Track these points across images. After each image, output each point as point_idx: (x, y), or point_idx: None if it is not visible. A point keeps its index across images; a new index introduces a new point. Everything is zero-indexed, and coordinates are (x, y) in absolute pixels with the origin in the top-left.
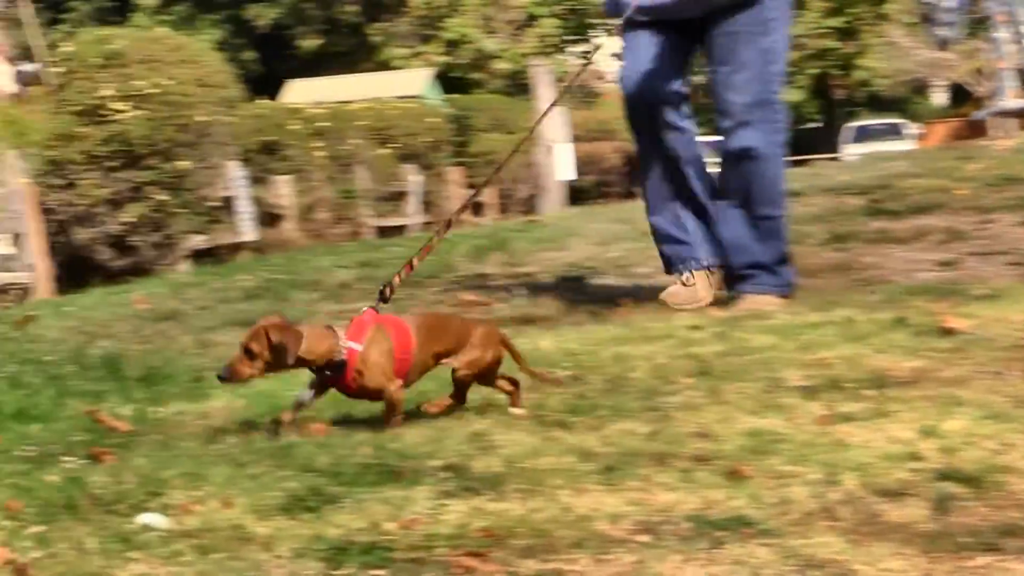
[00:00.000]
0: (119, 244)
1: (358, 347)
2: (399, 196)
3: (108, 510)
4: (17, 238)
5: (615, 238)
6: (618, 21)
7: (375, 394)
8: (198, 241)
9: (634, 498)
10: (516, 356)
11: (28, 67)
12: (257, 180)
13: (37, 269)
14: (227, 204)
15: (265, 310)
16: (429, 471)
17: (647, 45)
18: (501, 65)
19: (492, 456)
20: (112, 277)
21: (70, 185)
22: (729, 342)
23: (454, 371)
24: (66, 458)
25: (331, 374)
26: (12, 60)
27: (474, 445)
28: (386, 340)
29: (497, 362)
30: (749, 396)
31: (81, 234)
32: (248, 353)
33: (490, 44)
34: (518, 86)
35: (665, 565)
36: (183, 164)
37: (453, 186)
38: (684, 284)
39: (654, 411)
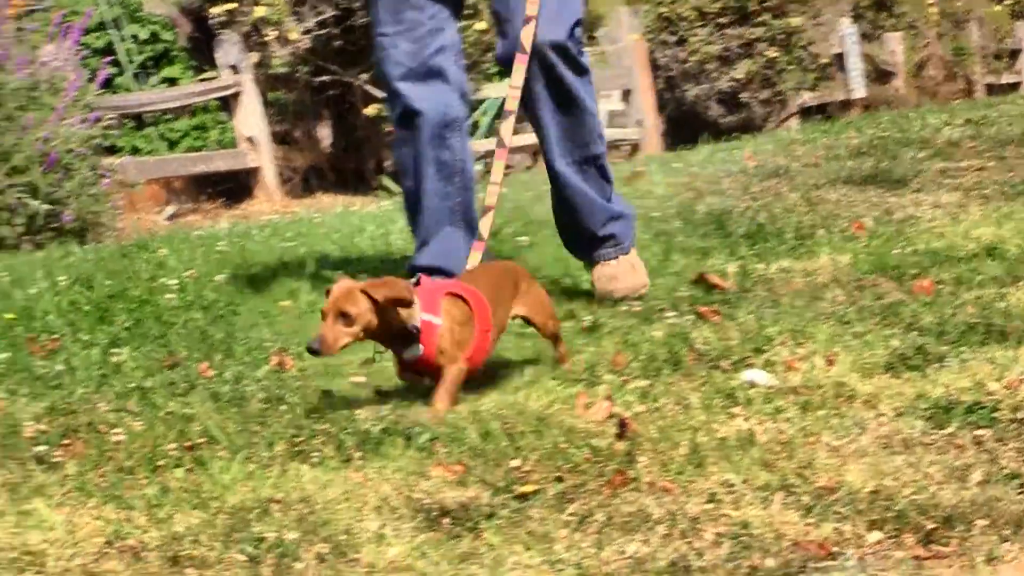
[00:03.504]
0: (728, 100)
1: (436, 320)
2: (1012, 53)
3: (712, 366)
4: (627, 94)
5: None
6: None
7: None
8: (807, 98)
9: None
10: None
11: None
12: (868, 36)
13: (646, 125)
14: (838, 61)
15: (872, 168)
16: None
17: None
18: None
19: None
20: (720, 133)
21: (680, 41)
22: None
23: (538, 329)
24: (671, 313)
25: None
26: None
27: None
28: (464, 313)
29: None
30: None
31: (690, 90)
32: (343, 317)
33: None
34: None
35: None
36: (795, 20)
37: None
38: None
39: None
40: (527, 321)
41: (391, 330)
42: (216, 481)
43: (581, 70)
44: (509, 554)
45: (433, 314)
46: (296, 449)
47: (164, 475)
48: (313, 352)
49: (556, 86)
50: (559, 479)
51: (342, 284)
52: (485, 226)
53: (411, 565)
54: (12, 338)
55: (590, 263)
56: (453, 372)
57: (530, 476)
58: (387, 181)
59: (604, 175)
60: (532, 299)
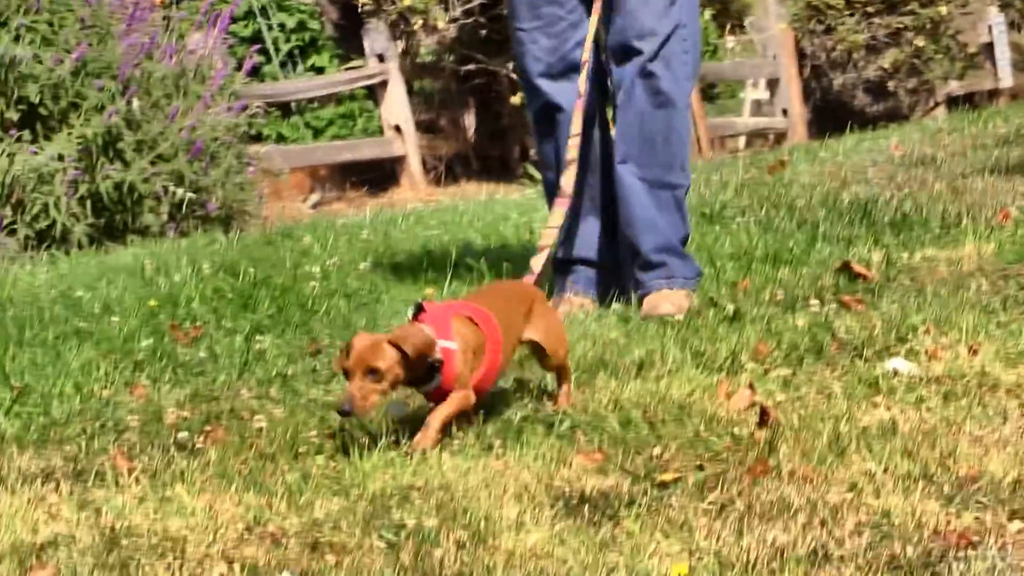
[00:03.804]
0: (875, 89)
1: (452, 345)
2: None
3: (855, 355)
4: (773, 83)
5: None
6: None
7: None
8: (954, 87)
9: None
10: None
11: None
12: (1016, 26)
13: (792, 114)
14: (986, 50)
15: (1018, 157)
16: None
17: None
18: None
19: None
20: (867, 122)
21: (828, 30)
22: None
23: (545, 359)
24: (814, 302)
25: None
26: None
27: None
28: (476, 335)
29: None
30: None
31: (837, 79)
32: (371, 373)
33: None
34: None
35: None
36: (942, 9)
37: None
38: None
39: None
40: (535, 348)
41: (416, 373)
42: (357, 468)
43: (677, 78)
44: (649, 542)
45: (447, 339)
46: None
47: (305, 462)
48: (344, 414)
49: (649, 84)
50: (700, 467)
51: (363, 338)
52: (537, 263)
53: (550, 552)
54: (156, 325)
55: (638, 292)
56: (457, 399)
57: (670, 464)
58: (532, 169)
59: (680, 211)
60: (545, 324)
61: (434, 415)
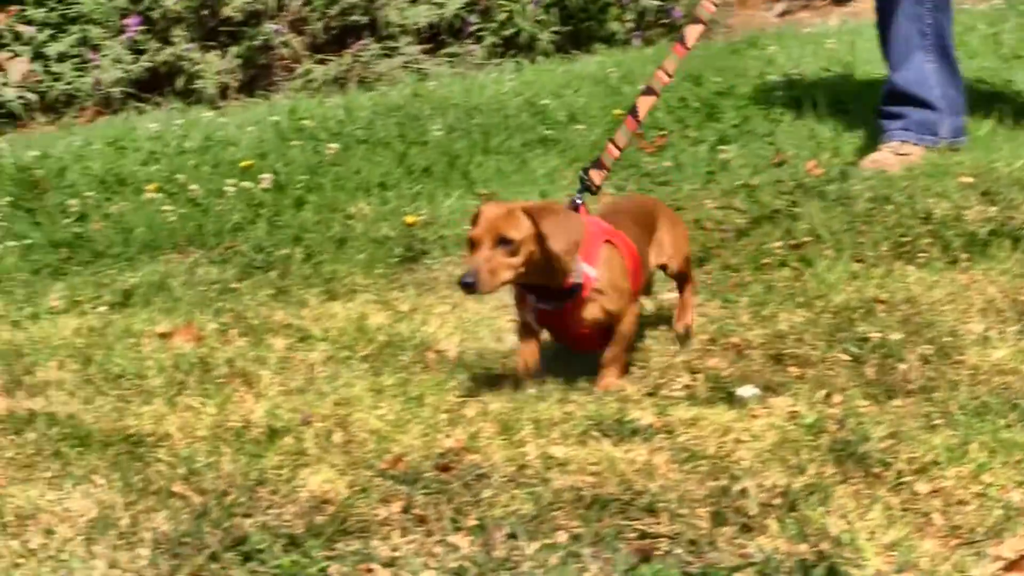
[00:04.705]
0: None
1: (592, 272)
2: None
3: None
4: None
5: None
6: None
7: (606, 331)
8: None
9: None
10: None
11: None
12: None
13: None
14: None
15: None
16: None
17: None
18: None
19: None
20: None
21: None
22: None
23: (667, 267)
24: None
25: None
26: None
27: None
28: (621, 265)
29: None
30: None
31: None
32: (504, 244)
33: None
34: None
35: None
36: None
37: None
38: (896, 153)
39: None
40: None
41: (548, 273)
42: (821, 280)
43: None
44: None
45: (590, 263)
46: (902, 249)
47: (769, 273)
48: (467, 288)
49: None
50: None
51: (495, 205)
52: (643, 107)
53: (1016, 368)
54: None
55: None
56: (626, 332)
57: None
58: None
59: (949, 66)
60: (668, 241)
61: (611, 356)
